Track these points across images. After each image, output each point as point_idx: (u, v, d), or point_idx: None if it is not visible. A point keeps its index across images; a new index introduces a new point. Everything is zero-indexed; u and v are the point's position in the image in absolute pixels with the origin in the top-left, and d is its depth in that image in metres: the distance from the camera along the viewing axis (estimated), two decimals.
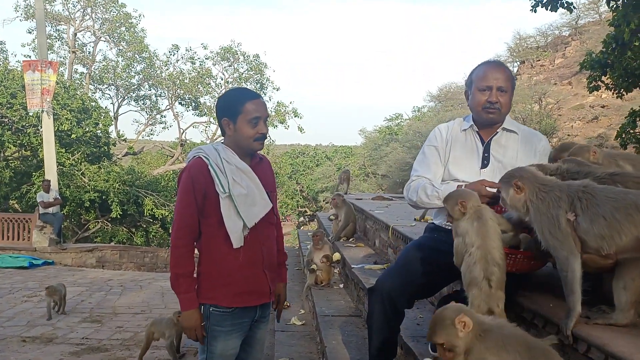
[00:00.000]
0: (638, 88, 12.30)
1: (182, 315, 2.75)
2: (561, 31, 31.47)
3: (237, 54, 27.93)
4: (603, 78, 12.24)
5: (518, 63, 32.84)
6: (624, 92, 12.30)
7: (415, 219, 6.36)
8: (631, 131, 12.24)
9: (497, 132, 3.31)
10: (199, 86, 27.14)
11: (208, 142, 27.32)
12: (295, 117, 27.07)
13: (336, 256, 6.73)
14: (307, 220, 31.84)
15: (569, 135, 21.54)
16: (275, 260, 3.01)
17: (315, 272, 6.52)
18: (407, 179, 3.59)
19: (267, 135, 2.95)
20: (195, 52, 28.60)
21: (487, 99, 3.16)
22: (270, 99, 28.80)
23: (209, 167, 2.69)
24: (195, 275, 2.78)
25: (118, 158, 26.55)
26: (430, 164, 3.38)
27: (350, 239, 7.85)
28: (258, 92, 25.63)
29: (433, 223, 3.57)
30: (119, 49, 27.73)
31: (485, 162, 3.27)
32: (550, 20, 40.19)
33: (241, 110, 2.74)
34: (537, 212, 2.40)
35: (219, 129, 2.99)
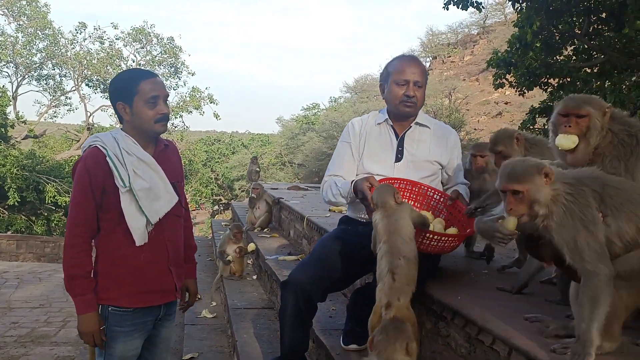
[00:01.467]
0: (538, 86, 13.10)
1: (78, 320, 2.50)
2: (470, 29, 32.96)
3: (150, 35, 26.73)
4: (507, 76, 12.89)
5: (430, 58, 34.02)
6: (525, 90, 13.05)
7: (330, 210, 6.37)
8: (531, 127, 13.01)
9: (411, 127, 3.37)
10: (108, 68, 25.70)
11: (118, 126, 26.08)
12: (211, 103, 26.40)
13: (251, 247, 6.61)
14: (222, 208, 31.30)
15: (475, 129, 22.63)
16: (182, 255, 2.84)
17: (230, 264, 6.38)
18: (323, 168, 3.61)
19: (170, 115, 2.73)
20: (105, 32, 27.00)
21: (405, 92, 3.21)
22: (185, 84, 27.95)
23: (107, 158, 2.46)
24: (92, 275, 2.54)
25: (16, 141, 24.69)
26: (343, 162, 3.42)
27: (265, 229, 7.75)
28: (172, 76, 24.59)
29: (347, 215, 3.59)
30: (19, 24, 25.65)
31: (399, 156, 3.33)
32: (460, 19, 42.07)
33: (136, 90, 2.50)
34: (566, 214, 1.91)
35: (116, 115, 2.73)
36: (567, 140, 2.24)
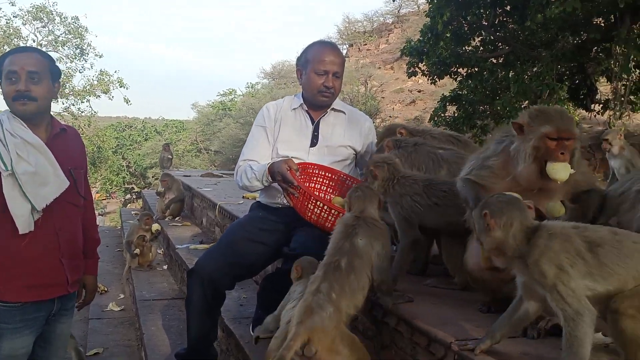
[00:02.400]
0: (448, 75, 13.57)
1: None
2: (385, 18, 33.55)
3: (52, 14, 24.98)
4: (420, 65, 13.25)
5: (347, 46, 34.35)
6: (436, 79, 13.47)
7: (243, 197, 6.25)
8: (442, 114, 13.49)
9: (327, 113, 3.36)
10: (5, 47, 23.79)
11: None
12: (120, 87, 25.13)
13: (155, 227, 6.33)
14: (134, 197, 30.09)
15: (390, 116, 23.17)
16: (78, 248, 2.64)
17: (137, 257, 6.11)
18: (240, 155, 3.50)
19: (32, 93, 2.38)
20: (1, 9, 24.99)
21: (324, 83, 3.19)
22: (92, 67, 26.42)
23: None
24: None
25: None
26: (257, 146, 3.35)
27: (177, 218, 7.50)
28: (77, 58, 23.05)
29: (259, 201, 3.53)
30: None
31: (314, 141, 3.31)
32: (376, 7, 42.75)
33: (2, 69, 2.38)
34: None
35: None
36: (565, 172, 1.96)
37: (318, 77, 3.21)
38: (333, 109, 3.38)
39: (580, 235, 1.64)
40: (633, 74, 10.99)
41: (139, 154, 31.74)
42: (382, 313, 2.39)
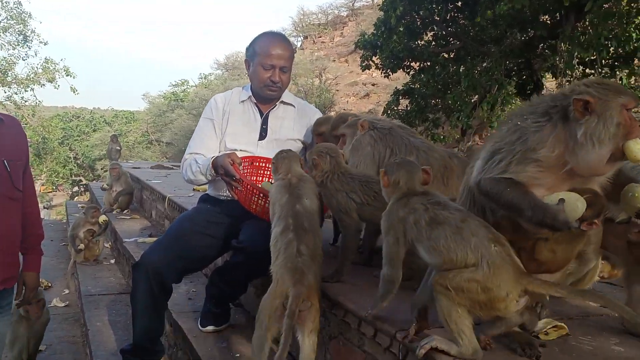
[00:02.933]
0: (402, 69, 13.71)
1: None
2: (340, 11, 33.60)
3: None
4: (374, 58, 13.33)
5: (302, 38, 34.25)
6: (390, 72, 13.59)
7: (194, 189, 6.14)
8: (395, 108, 13.64)
9: (276, 106, 3.33)
10: None
11: None
12: (67, 76, 24.24)
13: (102, 218, 6.14)
14: (82, 190, 29.17)
15: (344, 109, 23.27)
16: (13, 243, 2.53)
17: (82, 252, 5.92)
18: (187, 148, 3.43)
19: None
20: None
21: (270, 77, 3.15)
22: (36, 54, 25.35)
23: None
24: None
25: None
26: (204, 139, 3.30)
27: (125, 211, 7.30)
28: (20, 44, 22.14)
29: (207, 194, 3.48)
30: None
31: (263, 134, 3.29)
32: (330, 0, 42.73)
33: None
34: None
35: None
36: None
37: (265, 71, 3.17)
38: (282, 101, 3.36)
39: (429, 211, 1.76)
40: (577, 71, 11.39)
41: (87, 145, 30.77)
42: (331, 304, 2.38)
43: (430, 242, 1.71)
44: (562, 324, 1.91)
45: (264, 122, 3.30)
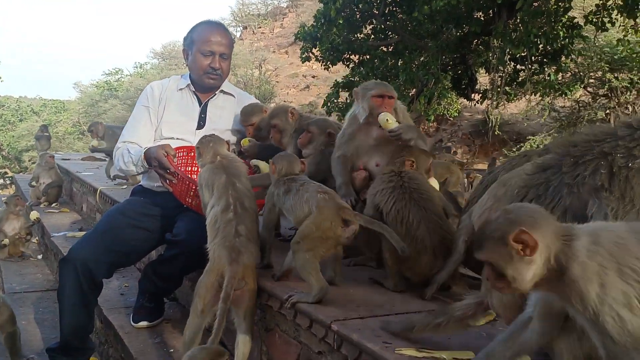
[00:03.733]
0: (341, 62, 13.78)
1: None
2: (280, 2, 33.41)
3: None
4: (313, 50, 13.33)
5: (241, 28, 33.78)
6: (330, 65, 13.63)
7: (128, 180, 5.92)
8: (335, 100, 13.70)
9: (215, 95, 3.28)
10: None
11: None
12: None
13: (33, 215, 5.83)
14: (8, 182, 27.63)
15: (285, 101, 23.17)
16: None
17: (7, 246, 5.59)
18: (119, 137, 3.30)
19: None
20: None
21: (210, 64, 3.11)
22: None
23: None
24: None
25: None
26: (138, 127, 3.20)
27: (54, 204, 6.95)
28: None
29: (141, 185, 3.37)
30: None
31: (201, 124, 3.22)
32: None
33: None
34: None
35: None
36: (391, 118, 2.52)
37: (204, 58, 3.12)
38: (222, 91, 3.31)
39: (285, 185, 2.39)
40: (508, 67, 11.84)
41: (13, 136, 29.12)
42: (267, 296, 2.35)
43: (285, 206, 2.35)
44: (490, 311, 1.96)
45: (203, 111, 3.24)
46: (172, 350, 2.72)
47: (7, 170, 29.19)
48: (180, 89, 3.26)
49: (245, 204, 2.35)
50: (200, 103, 3.26)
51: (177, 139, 3.16)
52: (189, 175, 2.96)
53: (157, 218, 3.07)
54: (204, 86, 3.22)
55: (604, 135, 1.70)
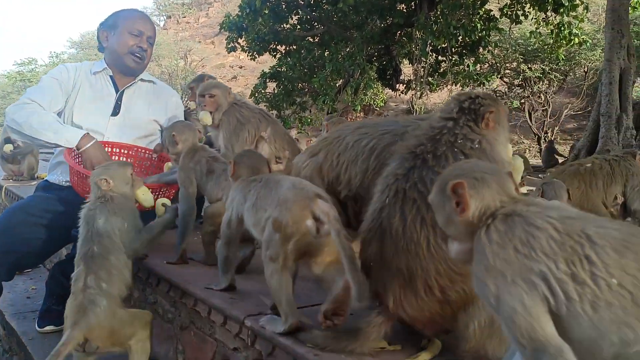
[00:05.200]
0: (268, 52, 13.65)
1: None
2: None
3: None
4: (239, 40, 13.12)
5: (165, 17, 32.77)
6: (256, 55, 13.47)
7: (37, 177, 5.55)
8: (262, 91, 13.57)
9: (135, 82, 3.13)
10: None
11: None
12: None
13: None
14: None
15: None
16: None
17: None
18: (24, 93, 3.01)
19: None
20: None
21: (138, 43, 3.00)
22: None
23: None
24: None
25: None
26: (47, 94, 2.91)
27: None
28: None
29: (47, 180, 3.15)
30: None
31: (116, 110, 3.05)
32: None
33: None
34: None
35: None
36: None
37: (131, 38, 3.00)
38: (141, 79, 3.16)
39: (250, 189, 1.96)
40: (430, 58, 12.14)
41: None
42: (181, 293, 2.26)
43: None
44: None
45: (119, 98, 3.07)
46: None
47: None
48: (95, 73, 3.07)
49: (95, 249, 2.08)
50: (117, 90, 3.08)
51: (89, 128, 2.91)
52: None
53: (63, 214, 2.86)
54: (126, 68, 3.05)
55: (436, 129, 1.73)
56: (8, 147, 5.59)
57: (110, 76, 3.10)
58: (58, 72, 3.05)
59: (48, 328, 2.83)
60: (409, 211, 1.57)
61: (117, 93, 3.09)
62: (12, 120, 2.76)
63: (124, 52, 3.01)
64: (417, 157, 1.65)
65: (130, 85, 3.12)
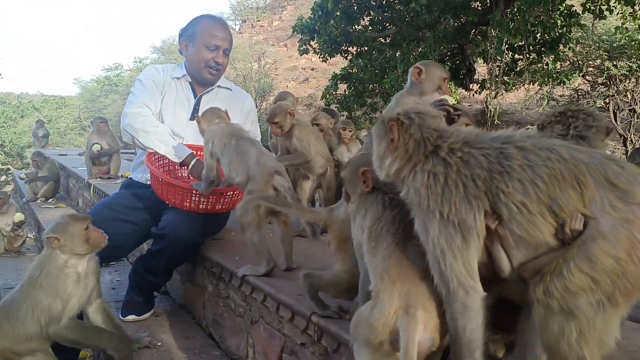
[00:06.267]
0: (339, 54, 13.72)
1: None
2: None
3: None
4: (311, 42, 13.27)
5: (240, 22, 33.65)
6: (327, 57, 13.58)
7: (122, 176, 5.90)
8: (334, 93, 13.66)
9: (213, 89, 3.28)
10: None
11: None
12: None
13: (18, 217, 5.82)
14: (10, 179, 27.71)
15: (281, 88, 23.11)
16: None
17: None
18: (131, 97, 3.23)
19: None
20: None
21: (214, 58, 3.12)
22: None
23: None
24: None
25: None
26: (151, 97, 3.12)
27: (50, 199, 6.96)
28: None
29: (131, 178, 3.38)
30: None
31: (194, 115, 3.18)
32: None
33: None
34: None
35: None
36: None
37: (208, 52, 3.12)
38: (219, 86, 3.31)
39: None
40: (506, 56, 11.75)
41: (15, 132, 29.15)
42: (251, 289, 2.35)
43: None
44: None
45: (197, 103, 3.24)
46: (159, 344, 2.72)
47: (9, 166, 29.29)
48: (176, 78, 3.25)
49: None
50: (195, 95, 3.25)
51: (171, 129, 3.14)
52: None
53: (144, 211, 3.08)
54: (202, 80, 3.22)
55: None
56: (96, 148, 5.97)
57: (190, 82, 3.26)
58: (152, 73, 3.24)
59: (130, 317, 3.02)
60: None
61: (195, 98, 3.25)
62: (129, 125, 3.00)
63: (200, 66, 3.17)
64: None
65: (208, 91, 3.28)
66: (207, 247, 2.89)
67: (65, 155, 9.28)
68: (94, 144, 6.02)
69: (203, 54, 3.13)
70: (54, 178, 7.00)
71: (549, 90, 13.95)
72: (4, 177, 29.06)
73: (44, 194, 6.91)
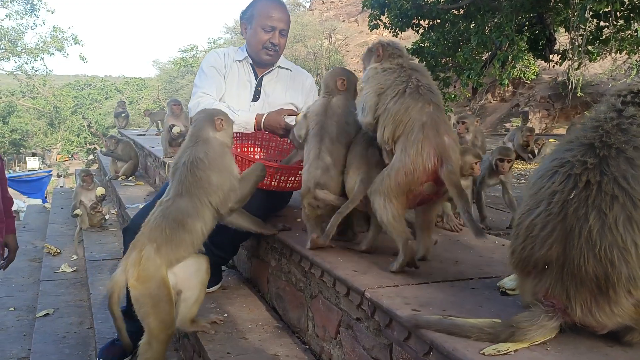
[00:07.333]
0: (411, 28, 13.42)
1: None
2: None
3: None
4: (382, 17, 13.06)
5: None
6: (399, 31, 13.31)
7: None
8: None
9: (273, 70, 3.32)
10: None
11: None
12: (75, 44, 24.18)
13: (100, 190, 6.18)
14: (97, 158, 29.50)
15: (355, 70, 22.93)
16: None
17: (79, 216, 6.00)
18: (194, 88, 3.37)
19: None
20: None
21: (270, 39, 3.15)
22: (44, 23, 25.40)
23: None
24: None
25: None
26: (212, 84, 3.22)
27: (130, 177, 7.35)
28: (28, 14, 22.11)
29: None
30: None
31: (257, 96, 3.28)
32: None
33: None
34: None
35: None
36: None
37: (264, 33, 3.15)
38: (279, 66, 3.35)
39: None
40: (590, 24, 11.04)
41: (100, 114, 30.93)
42: (309, 264, 2.40)
43: None
44: None
45: (259, 84, 3.30)
46: (226, 315, 2.84)
47: (96, 146, 31.18)
48: (238, 60, 3.32)
49: None
50: (256, 76, 3.32)
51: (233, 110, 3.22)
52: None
53: None
54: (261, 61, 3.27)
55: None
56: (176, 130, 6.23)
57: (251, 64, 3.32)
58: (213, 59, 3.32)
59: (213, 288, 3.14)
60: (607, 209, 1.41)
61: (256, 80, 3.31)
62: (193, 116, 3.09)
63: (258, 48, 3.20)
64: (609, 147, 1.47)
65: (269, 72, 3.32)
66: (271, 223, 2.95)
67: (144, 135, 9.73)
68: (173, 126, 6.28)
69: (260, 35, 3.16)
70: (125, 158, 7.34)
71: (638, 59, 13.00)
72: (91, 156, 31.02)
73: (125, 173, 7.31)
